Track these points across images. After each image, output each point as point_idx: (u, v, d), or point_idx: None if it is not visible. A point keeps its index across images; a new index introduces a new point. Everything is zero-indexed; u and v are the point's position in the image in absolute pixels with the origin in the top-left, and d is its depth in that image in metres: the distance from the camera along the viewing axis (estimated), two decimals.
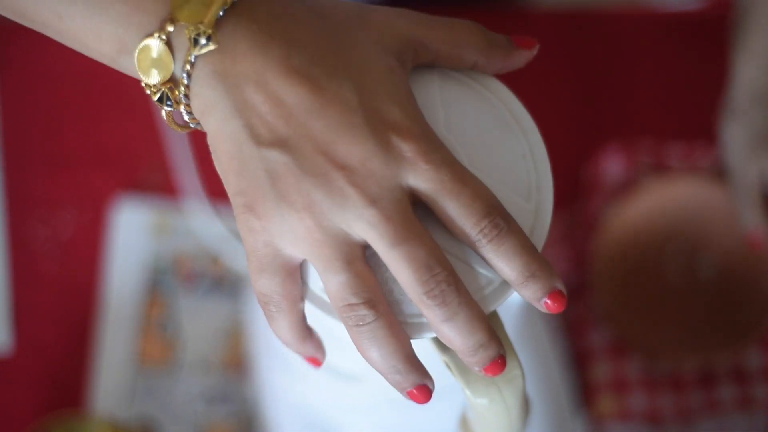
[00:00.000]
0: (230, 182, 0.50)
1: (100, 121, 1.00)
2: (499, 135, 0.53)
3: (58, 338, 0.95)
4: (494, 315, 0.53)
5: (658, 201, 0.95)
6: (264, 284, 0.51)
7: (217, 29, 0.48)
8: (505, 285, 0.52)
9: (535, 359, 0.83)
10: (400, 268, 0.49)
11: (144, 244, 0.97)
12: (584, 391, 0.92)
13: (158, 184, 0.98)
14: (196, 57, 0.48)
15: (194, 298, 0.96)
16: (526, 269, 0.50)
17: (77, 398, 0.94)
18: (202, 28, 0.48)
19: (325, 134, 0.48)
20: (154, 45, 0.49)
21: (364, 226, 0.48)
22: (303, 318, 0.53)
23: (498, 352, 0.51)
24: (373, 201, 0.48)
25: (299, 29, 0.49)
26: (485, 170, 0.52)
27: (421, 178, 0.49)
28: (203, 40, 0.48)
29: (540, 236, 0.52)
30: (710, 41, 1.01)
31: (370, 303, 0.49)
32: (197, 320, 0.95)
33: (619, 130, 0.99)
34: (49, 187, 0.98)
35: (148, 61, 0.49)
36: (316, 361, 0.55)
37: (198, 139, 0.98)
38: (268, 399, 0.86)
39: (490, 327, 0.50)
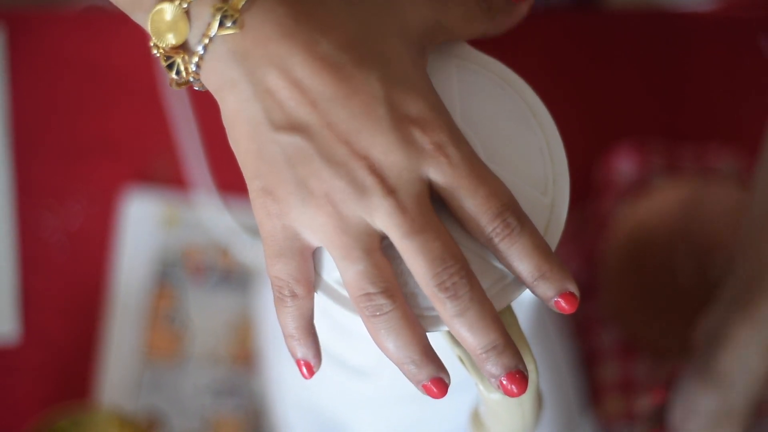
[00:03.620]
0: (248, 165, 0.49)
1: (110, 112, 0.99)
2: (515, 127, 0.53)
3: (66, 329, 0.95)
4: (509, 310, 0.53)
5: (669, 201, 0.94)
6: (280, 269, 0.50)
7: (244, 12, 0.48)
8: (519, 281, 0.52)
9: (544, 358, 0.83)
10: (414, 260, 0.49)
11: (153, 236, 0.97)
12: (592, 391, 0.92)
13: (168, 176, 0.98)
14: (216, 35, 0.48)
15: (203, 290, 0.95)
16: (536, 270, 0.50)
17: (84, 389, 0.93)
18: (229, 10, 0.47)
19: (348, 124, 0.48)
20: (170, 9, 0.48)
21: (382, 216, 0.48)
22: (312, 310, 0.52)
23: (515, 364, 0.49)
24: (391, 191, 0.48)
25: (327, 14, 0.49)
26: (502, 163, 0.52)
27: (439, 172, 0.49)
28: (228, 23, 0.47)
29: (555, 231, 0.52)
30: (724, 43, 1.01)
31: (388, 293, 0.49)
32: (205, 313, 0.95)
33: (631, 129, 0.99)
34: (59, 178, 0.98)
35: (162, 23, 0.48)
36: (310, 367, 0.53)
37: (208, 132, 0.97)
38: (276, 393, 0.86)
39: (506, 332, 0.50)
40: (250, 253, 0.95)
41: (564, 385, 0.86)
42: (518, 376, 0.49)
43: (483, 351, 0.49)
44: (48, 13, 1.02)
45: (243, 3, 0.48)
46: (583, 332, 0.93)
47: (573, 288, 0.50)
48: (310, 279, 0.51)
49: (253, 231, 0.96)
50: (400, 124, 0.48)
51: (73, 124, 0.99)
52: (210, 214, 0.96)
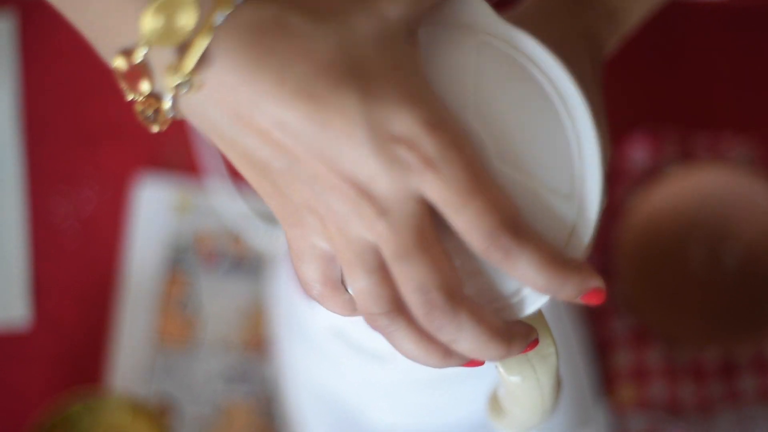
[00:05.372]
0: (253, 185, 0.49)
1: (122, 97, 0.99)
2: (539, 119, 0.48)
3: (78, 315, 0.95)
4: None
5: (682, 190, 0.94)
6: (304, 272, 0.50)
7: (195, 74, 0.46)
8: None
9: (559, 346, 0.83)
10: (401, 286, 0.47)
11: (165, 222, 0.96)
12: (605, 379, 0.92)
13: (181, 162, 0.98)
14: (177, 94, 0.47)
15: (215, 277, 0.95)
16: (549, 284, 0.47)
17: (96, 375, 0.94)
18: (181, 75, 0.46)
19: (331, 151, 0.46)
20: (123, 65, 0.47)
21: (375, 237, 0.47)
22: (347, 300, 0.51)
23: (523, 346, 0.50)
24: (382, 212, 0.46)
25: (293, 43, 0.46)
26: (517, 163, 0.48)
27: (428, 188, 0.46)
28: (184, 90, 0.46)
29: (583, 235, 0.48)
30: (737, 32, 1.01)
31: (391, 314, 0.48)
32: (217, 299, 0.95)
33: (645, 118, 0.98)
34: (71, 164, 0.98)
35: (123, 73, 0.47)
36: None
37: None
38: (289, 378, 0.86)
39: (508, 335, 0.49)
40: (262, 239, 0.95)
41: (577, 372, 0.86)
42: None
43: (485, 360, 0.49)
44: None
45: (192, 66, 0.45)
46: (597, 320, 0.93)
47: (596, 283, 0.48)
48: (335, 279, 0.50)
49: (266, 217, 0.95)
50: (383, 145, 0.46)
51: (85, 110, 0.99)
52: (222, 200, 0.96)
